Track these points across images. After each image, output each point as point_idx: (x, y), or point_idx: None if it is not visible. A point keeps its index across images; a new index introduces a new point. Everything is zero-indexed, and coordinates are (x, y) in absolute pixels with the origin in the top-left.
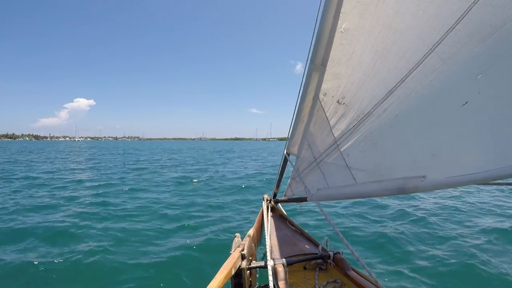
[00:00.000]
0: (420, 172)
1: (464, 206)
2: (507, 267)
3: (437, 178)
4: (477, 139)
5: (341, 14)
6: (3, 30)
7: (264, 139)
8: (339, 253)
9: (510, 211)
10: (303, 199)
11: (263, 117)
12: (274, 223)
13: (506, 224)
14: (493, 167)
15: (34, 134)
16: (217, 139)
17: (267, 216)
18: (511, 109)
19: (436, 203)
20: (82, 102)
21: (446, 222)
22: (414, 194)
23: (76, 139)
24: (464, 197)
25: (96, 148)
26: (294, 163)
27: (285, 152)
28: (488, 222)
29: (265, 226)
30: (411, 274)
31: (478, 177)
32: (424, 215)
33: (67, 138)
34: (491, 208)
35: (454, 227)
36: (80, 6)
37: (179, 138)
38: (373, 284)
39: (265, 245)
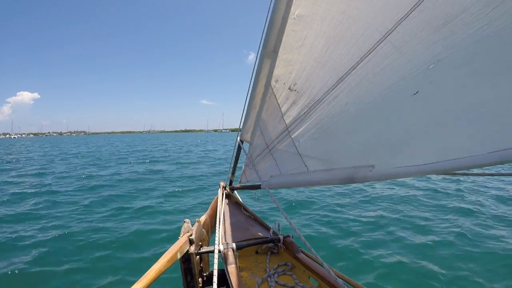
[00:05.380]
0: (369, 162)
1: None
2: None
3: (385, 168)
4: (425, 131)
5: (294, 0)
6: None
7: (216, 131)
8: (289, 237)
9: None
10: (257, 187)
11: (214, 108)
12: (229, 210)
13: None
14: (440, 159)
15: None
16: (167, 132)
17: (222, 202)
18: (458, 103)
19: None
20: (25, 96)
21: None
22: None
23: (12, 136)
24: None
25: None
26: (247, 150)
27: (238, 139)
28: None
29: (218, 212)
30: (352, 254)
31: (426, 169)
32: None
33: (7, 136)
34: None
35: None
36: None
37: (127, 132)
38: (319, 265)
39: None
